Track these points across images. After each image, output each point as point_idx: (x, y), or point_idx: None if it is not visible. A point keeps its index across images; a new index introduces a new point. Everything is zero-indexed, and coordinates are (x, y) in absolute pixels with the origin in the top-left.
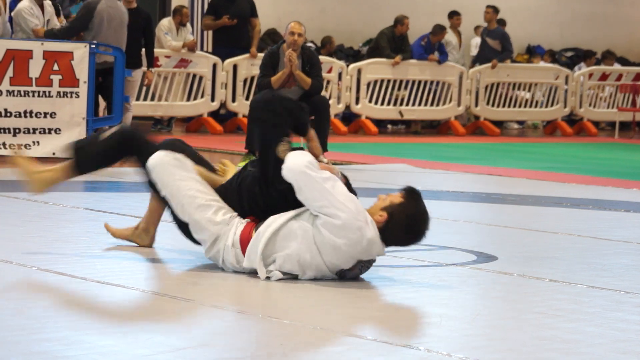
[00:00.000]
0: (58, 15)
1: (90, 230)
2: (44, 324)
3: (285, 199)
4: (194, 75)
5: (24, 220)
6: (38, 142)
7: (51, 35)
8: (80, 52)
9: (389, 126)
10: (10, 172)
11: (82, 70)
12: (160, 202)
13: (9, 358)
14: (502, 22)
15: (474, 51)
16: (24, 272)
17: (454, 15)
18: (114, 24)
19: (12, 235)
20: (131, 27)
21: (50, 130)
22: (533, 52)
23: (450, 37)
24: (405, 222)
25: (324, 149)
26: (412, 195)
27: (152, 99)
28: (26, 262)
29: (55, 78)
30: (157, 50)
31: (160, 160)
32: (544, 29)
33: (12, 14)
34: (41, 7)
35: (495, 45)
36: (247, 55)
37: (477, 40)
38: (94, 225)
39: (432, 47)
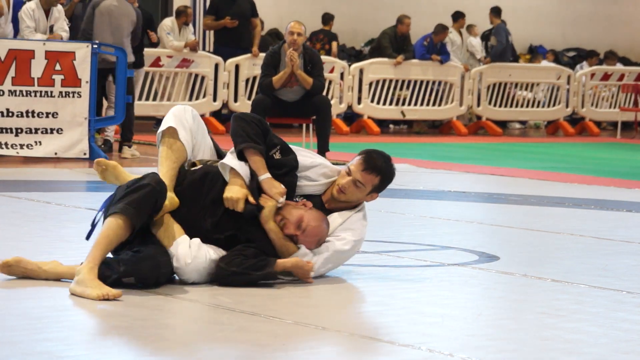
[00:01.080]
0: None
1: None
2: (45, 324)
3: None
4: (196, 75)
5: (26, 220)
6: (40, 142)
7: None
8: (82, 52)
9: (391, 126)
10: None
11: (84, 70)
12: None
13: (11, 358)
14: (503, 22)
15: (476, 51)
16: None
17: (459, 17)
18: (114, 22)
19: (14, 235)
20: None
21: (52, 130)
22: (535, 52)
23: (455, 36)
24: (387, 181)
25: (326, 148)
26: (370, 169)
27: (154, 98)
28: None
29: (57, 78)
30: (159, 50)
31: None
32: (546, 28)
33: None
34: (47, 12)
35: (494, 41)
36: (249, 55)
37: (473, 40)
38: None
39: (435, 47)
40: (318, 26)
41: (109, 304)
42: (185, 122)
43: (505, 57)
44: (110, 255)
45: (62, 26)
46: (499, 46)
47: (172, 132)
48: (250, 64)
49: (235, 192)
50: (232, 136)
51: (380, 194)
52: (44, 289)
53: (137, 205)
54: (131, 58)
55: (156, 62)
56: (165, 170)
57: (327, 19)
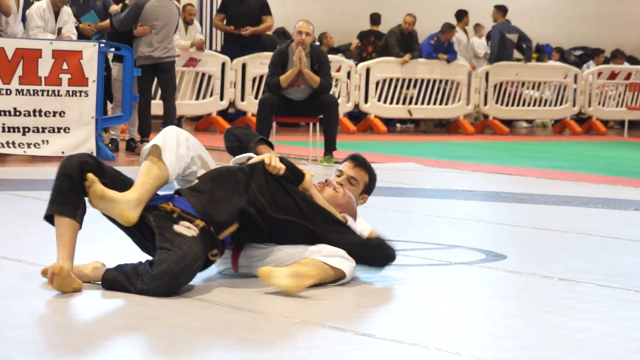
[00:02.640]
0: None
1: (101, 229)
2: (59, 321)
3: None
4: (203, 74)
5: (32, 219)
6: (47, 141)
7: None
8: (89, 51)
9: (398, 125)
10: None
11: (91, 69)
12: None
13: (17, 357)
14: (507, 21)
15: (479, 51)
16: (34, 271)
17: (463, 16)
18: (160, 22)
19: (21, 235)
20: None
21: (59, 129)
22: (542, 51)
23: (461, 35)
24: (373, 180)
25: (333, 147)
26: (361, 166)
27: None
28: (35, 261)
29: (65, 77)
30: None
31: None
32: (553, 28)
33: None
34: (56, 13)
35: (515, 39)
36: (256, 54)
37: (477, 40)
38: (103, 224)
39: (441, 45)
40: (324, 26)
41: (115, 302)
42: (171, 144)
43: (503, 58)
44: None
45: (71, 29)
46: (493, 48)
47: (156, 150)
48: (258, 63)
49: (271, 156)
50: (242, 138)
51: (383, 194)
52: (50, 288)
53: (57, 198)
54: (174, 53)
55: None
56: (140, 183)
57: (377, 19)
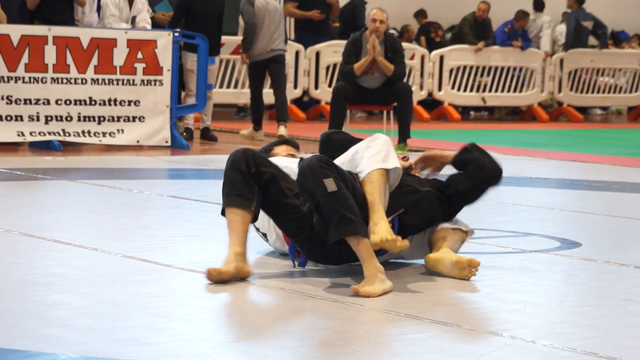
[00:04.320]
0: None
1: (175, 218)
2: (129, 310)
3: None
4: None
5: (108, 207)
6: (122, 130)
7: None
8: (163, 41)
9: (472, 113)
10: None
11: (165, 59)
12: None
13: (95, 344)
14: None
15: (562, 38)
16: (109, 260)
17: (542, 5)
18: (267, 22)
19: (97, 223)
20: (209, 14)
21: (134, 118)
22: (617, 38)
23: (543, 20)
24: None
25: (407, 135)
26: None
27: (235, 86)
28: (111, 250)
29: (139, 66)
30: (240, 38)
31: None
32: (629, 14)
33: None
34: (131, 2)
35: (590, 26)
36: (330, 42)
37: (561, 27)
38: (178, 212)
39: (516, 33)
40: (399, 14)
41: (192, 290)
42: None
43: (578, 45)
44: None
45: (145, 18)
46: (568, 35)
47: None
48: (331, 51)
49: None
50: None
51: None
52: (127, 276)
53: (230, 191)
54: (285, 46)
55: (237, 50)
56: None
57: (423, 14)
